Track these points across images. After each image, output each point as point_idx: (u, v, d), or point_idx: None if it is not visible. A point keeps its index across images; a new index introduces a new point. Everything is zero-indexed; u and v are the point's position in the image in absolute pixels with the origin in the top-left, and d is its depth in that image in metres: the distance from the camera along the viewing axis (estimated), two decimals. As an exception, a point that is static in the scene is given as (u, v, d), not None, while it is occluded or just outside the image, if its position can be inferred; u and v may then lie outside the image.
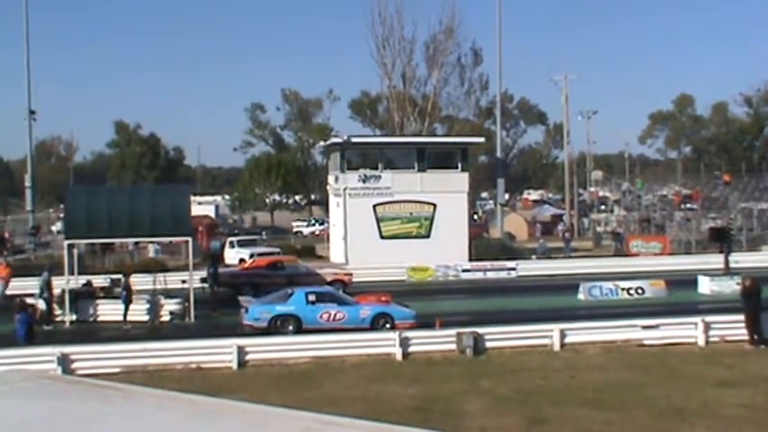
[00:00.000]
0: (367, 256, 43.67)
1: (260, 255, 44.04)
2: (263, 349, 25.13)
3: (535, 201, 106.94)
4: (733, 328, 26.93)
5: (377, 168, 47.67)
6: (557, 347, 26.06)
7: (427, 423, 17.03)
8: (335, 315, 28.46)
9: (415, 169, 47.82)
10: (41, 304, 31.57)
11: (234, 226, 78.15)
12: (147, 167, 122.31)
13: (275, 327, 28.15)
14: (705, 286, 37.87)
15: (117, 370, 23.12)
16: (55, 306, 31.95)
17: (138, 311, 31.90)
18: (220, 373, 23.72)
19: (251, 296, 32.07)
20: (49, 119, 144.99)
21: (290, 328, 28.13)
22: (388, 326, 27.90)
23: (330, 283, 35.95)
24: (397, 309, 29.45)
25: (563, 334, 26.34)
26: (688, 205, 74.62)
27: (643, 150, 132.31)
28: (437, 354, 25.39)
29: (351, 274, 38.41)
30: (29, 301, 31.10)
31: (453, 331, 25.94)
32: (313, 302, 28.72)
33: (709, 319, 27.28)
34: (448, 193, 47.06)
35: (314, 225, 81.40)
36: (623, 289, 37.11)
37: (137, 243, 48.85)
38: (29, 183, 61.13)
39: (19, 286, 36.10)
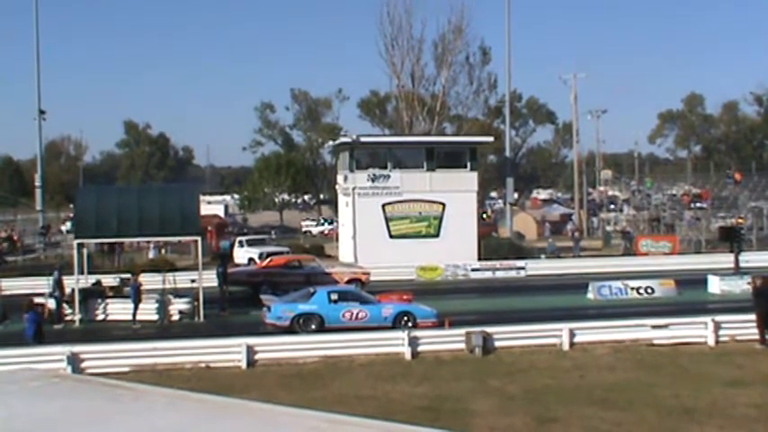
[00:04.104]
0: (376, 255, 43.64)
1: (269, 254, 44.05)
2: (272, 348, 25.15)
3: (544, 200, 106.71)
4: (743, 327, 26.85)
5: (386, 168, 47.64)
6: (566, 347, 26.02)
7: (436, 422, 17.03)
8: (358, 314, 28.48)
9: (424, 168, 47.79)
10: (51, 303, 31.71)
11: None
12: (156, 167, 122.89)
13: (298, 325, 28.16)
14: (715, 286, 37.77)
15: (126, 369, 23.17)
16: (65, 305, 32.06)
17: (148, 311, 31.99)
18: (229, 373, 23.75)
19: (271, 294, 32.13)
20: (59, 118, 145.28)
21: (313, 326, 28.12)
22: (410, 324, 27.86)
23: (348, 282, 36.05)
24: (420, 307, 29.49)
25: (572, 333, 26.30)
26: (698, 204, 74.47)
27: (653, 149, 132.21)
28: (446, 353, 25.38)
29: (368, 273, 38.44)
30: (39, 300, 31.26)
31: (462, 330, 25.94)
32: (335, 301, 28.77)
33: (719, 318, 27.21)
34: (457, 192, 47.03)
35: (323, 224, 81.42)
36: (633, 288, 37.04)
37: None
38: (39, 182, 61.31)
39: (29, 286, 36.22)
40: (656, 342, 26.39)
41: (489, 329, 25.91)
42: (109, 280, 35.25)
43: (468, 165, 48.48)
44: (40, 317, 28.20)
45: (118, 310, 32.40)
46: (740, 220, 59.71)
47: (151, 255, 52.41)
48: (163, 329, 30.32)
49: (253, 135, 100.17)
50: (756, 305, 26.74)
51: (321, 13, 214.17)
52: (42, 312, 29.41)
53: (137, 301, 31.44)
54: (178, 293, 33.55)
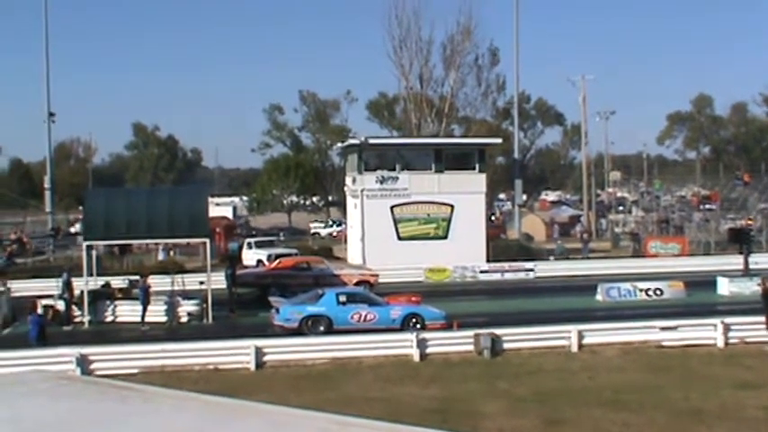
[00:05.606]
0: (384, 257, 43.60)
1: (278, 256, 44.06)
2: (281, 350, 25.19)
3: (553, 202, 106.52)
4: (752, 329, 26.82)
5: (394, 169, 47.63)
6: (575, 349, 25.99)
7: (445, 424, 17.03)
8: (366, 316, 28.45)
9: (433, 170, 47.75)
10: (61, 305, 31.79)
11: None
12: (164, 169, 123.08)
13: (306, 327, 28.15)
14: (724, 287, 37.65)
15: (135, 371, 23.23)
16: (74, 307, 32.11)
17: (157, 312, 32.03)
18: (238, 374, 23.79)
19: (279, 296, 32.13)
20: (68, 121, 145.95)
21: (321, 328, 28.11)
22: (418, 326, 27.82)
23: (356, 284, 36.02)
24: (428, 309, 29.45)
25: (581, 335, 26.27)
26: (707, 206, 74.35)
27: (661, 151, 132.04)
28: (455, 355, 25.38)
29: (377, 275, 38.37)
30: (48, 302, 31.37)
31: (471, 332, 25.93)
32: (344, 303, 28.77)
33: (728, 320, 27.15)
34: (465, 194, 46.97)
35: (331, 226, 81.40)
36: (641, 290, 36.95)
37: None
38: (48, 184, 61.59)
39: (38, 287, 36.31)
40: (665, 344, 26.34)
41: (498, 331, 25.91)
42: (118, 282, 35.32)
43: (477, 166, 48.43)
44: (43, 319, 28.31)
45: (127, 311, 32.44)
46: (749, 222, 59.58)
47: (160, 257, 52.47)
48: (171, 331, 30.34)
49: (261, 137, 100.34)
50: (766, 307, 26.69)
51: (329, 14, 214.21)
52: (46, 314, 29.54)
53: (145, 303, 31.50)
54: (187, 295, 33.57)
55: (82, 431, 4.29)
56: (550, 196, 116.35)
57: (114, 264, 47.59)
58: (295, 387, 22.08)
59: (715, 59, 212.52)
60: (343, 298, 29.08)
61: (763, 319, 26.56)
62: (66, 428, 4.30)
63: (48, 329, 28.14)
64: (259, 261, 47.81)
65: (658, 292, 36.87)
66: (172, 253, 53.29)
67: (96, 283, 34.30)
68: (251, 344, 24.77)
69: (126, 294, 33.31)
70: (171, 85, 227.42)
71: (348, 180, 51.50)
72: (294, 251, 48.99)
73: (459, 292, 41.28)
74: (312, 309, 28.68)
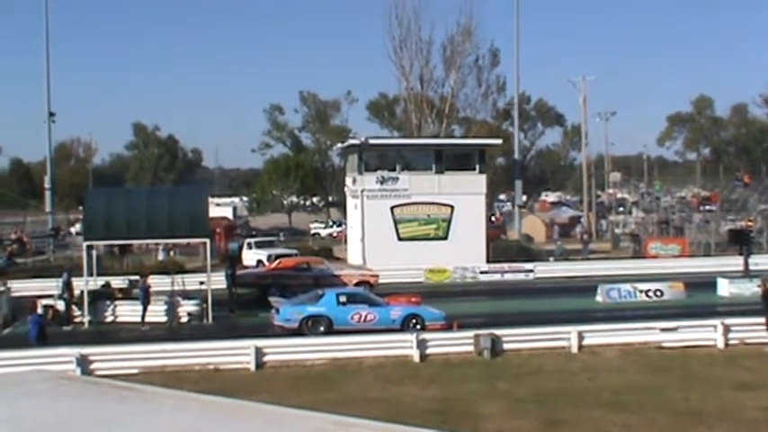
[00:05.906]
0: (384, 257, 43.58)
1: (278, 256, 44.05)
2: (281, 351, 25.19)
3: (553, 202, 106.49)
4: (753, 330, 26.81)
5: (394, 170, 47.61)
6: (574, 350, 25.98)
7: (445, 425, 17.04)
8: (366, 316, 28.45)
9: (433, 171, 47.74)
10: (61, 305, 31.78)
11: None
12: (165, 169, 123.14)
13: (306, 328, 28.15)
14: (724, 288, 37.64)
15: (135, 371, 23.22)
16: (74, 307, 32.11)
17: (157, 312, 32.02)
18: (238, 375, 23.79)
19: (279, 297, 32.12)
20: (69, 121, 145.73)
21: (321, 329, 28.11)
22: (418, 327, 27.80)
23: (356, 284, 36.00)
24: (428, 310, 29.45)
25: (581, 336, 26.26)
26: (707, 207, 74.32)
27: (662, 152, 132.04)
28: (455, 355, 25.38)
29: (377, 276, 38.35)
30: (48, 302, 31.36)
31: (471, 333, 25.93)
32: (344, 303, 28.77)
33: (728, 321, 27.15)
34: (466, 194, 46.94)
35: (331, 227, 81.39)
36: (641, 291, 36.93)
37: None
38: (48, 184, 61.52)
39: (39, 287, 36.32)
40: (665, 345, 26.34)
41: (498, 332, 25.90)
42: (118, 282, 35.32)
43: (477, 167, 48.42)
44: (43, 319, 28.31)
45: (127, 311, 32.44)
46: (749, 223, 59.58)
47: (160, 257, 52.45)
48: (171, 331, 30.34)
49: (262, 137, 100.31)
50: (765, 308, 26.68)
51: (329, 14, 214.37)
52: (46, 314, 29.54)
53: (145, 303, 31.49)
54: (187, 295, 33.57)
55: (82, 431, 4.29)
56: (550, 197, 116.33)
57: (114, 264, 47.61)
58: (295, 387, 22.08)
59: (715, 60, 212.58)
60: (343, 298, 29.09)
61: (763, 320, 26.55)
62: (66, 428, 4.30)
63: (48, 329, 28.18)
64: (259, 261, 47.81)
65: (658, 293, 36.85)
66: (172, 253, 53.28)
67: (96, 283, 34.30)
68: (251, 344, 24.76)
69: (126, 294, 33.31)
70: (171, 85, 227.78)
71: (348, 180, 51.49)
72: (294, 251, 49.00)
73: (459, 292, 41.26)
74: (312, 309, 28.68)
